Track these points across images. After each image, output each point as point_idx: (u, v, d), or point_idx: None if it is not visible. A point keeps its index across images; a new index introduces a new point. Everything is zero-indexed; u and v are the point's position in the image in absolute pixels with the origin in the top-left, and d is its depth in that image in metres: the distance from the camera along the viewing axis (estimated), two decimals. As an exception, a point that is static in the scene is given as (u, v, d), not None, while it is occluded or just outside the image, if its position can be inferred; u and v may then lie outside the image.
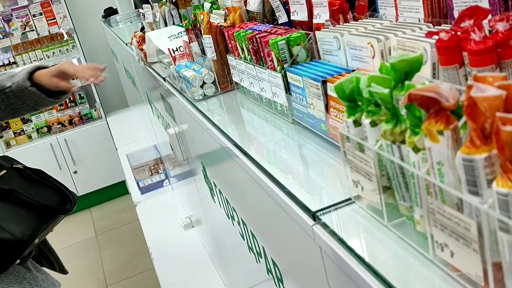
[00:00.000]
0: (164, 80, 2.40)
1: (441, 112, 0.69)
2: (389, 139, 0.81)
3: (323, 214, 0.99)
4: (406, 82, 0.80)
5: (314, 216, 1.00)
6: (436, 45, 0.93)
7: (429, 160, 0.71)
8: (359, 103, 0.91)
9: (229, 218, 1.90)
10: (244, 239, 1.75)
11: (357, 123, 0.91)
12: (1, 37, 5.20)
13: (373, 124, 0.86)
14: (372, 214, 0.95)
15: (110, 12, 5.22)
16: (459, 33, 0.91)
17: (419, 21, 1.21)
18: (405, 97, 0.71)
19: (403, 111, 0.82)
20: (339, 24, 1.44)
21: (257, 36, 1.56)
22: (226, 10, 1.97)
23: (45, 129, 5.53)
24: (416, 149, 0.76)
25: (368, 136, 0.87)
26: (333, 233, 0.94)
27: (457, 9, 1.09)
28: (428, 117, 0.70)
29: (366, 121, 0.86)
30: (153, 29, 2.98)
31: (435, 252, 0.76)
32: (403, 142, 0.80)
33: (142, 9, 3.19)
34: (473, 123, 0.64)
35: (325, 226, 0.97)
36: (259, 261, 1.63)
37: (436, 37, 0.94)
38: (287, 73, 1.40)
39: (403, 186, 0.83)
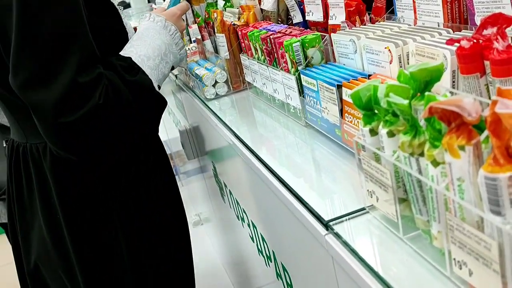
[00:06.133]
0: (176, 78, 2.39)
1: (462, 127, 0.66)
2: (407, 151, 0.78)
3: (336, 223, 0.97)
4: (427, 93, 0.77)
5: (327, 225, 0.97)
6: (457, 53, 0.91)
7: (449, 176, 0.69)
8: (376, 112, 0.88)
9: (238, 220, 1.88)
10: (253, 242, 1.73)
11: (373, 132, 0.88)
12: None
13: (391, 134, 0.83)
14: (387, 225, 0.92)
15: (123, 6, 5.21)
16: (481, 41, 0.88)
17: (438, 25, 1.18)
18: (426, 110, 0.68)
19: (422, 122, 0.79)
20: (355, 26, 1.41)
21: (271, 36, 1.53)
22: (240, 9, 1.94)
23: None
24: (435, 163, 0.73)
25: (385, 146, 0.85)
26: (345, 244, 0.92)
27: (478, 15, 1.06)
28: (449, 131, 0.68)
29: (383, 131, 0.84)
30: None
31: (452, 269, 0.74)
32: (421, 154, 0.78)
33: (155, 3, 3.17)
34: (497, 140, 0.61)
35: (337, 236, 0.94)
36: (269, 265, 1.61)
37: (457, 44, 0.92)
38: (301, 75, 1.38)
39: (420, 200, 0.80)
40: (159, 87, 1.35)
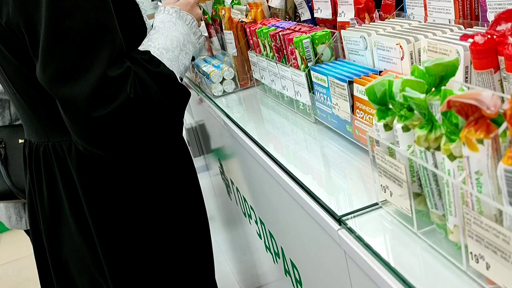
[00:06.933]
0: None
1: (481, 120, 0.67)
2: (423, 146, 0.78)
3: (349, 218, 0.97)
4: (443, 88, 0.78)
5: (339, 220, 0.98)
6: (471, 49, 0.91)
7: (467, 169, 0.69)
8: (390, 107, 0.88)
9: (245, 216, 1.88)
10: (261, 239, 1.73)
11: (387, 127, 0.88)
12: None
13: (406, 129, 0.83)
14: (400, 220, 0.92)
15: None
16: (495, 36, 0.89)
17: (449, 22, 1.18)
18: (444, 103, 0.68)
19: (437, 116, 0.79)
20: (364, 23, 1.42)
21: (280, 33, 1.53)
22: (247, 6, 1.94)
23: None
24: (452, 157, 0.73)
25: (400, 141, 0.85)
26: (359, 238, 0.92)
27: (491, 11, 1.06)
28: (467, 125, 0.68)
29: (398, 125, 0.84)
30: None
31: (469, 263, 0.74)
32: (437, 148, 0.78)
33: (161, 1, 3.17)
34: (517, 133, 0.61)
35: (351, 231, 0.95)
36: (277, 261, 1.61)
37: (471, 40, 0.92)
38: (311, 72, 1.38)
39: (436, 194, 0.80)
40: (181, 79, 1.34)
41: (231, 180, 1.98)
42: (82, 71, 1.10)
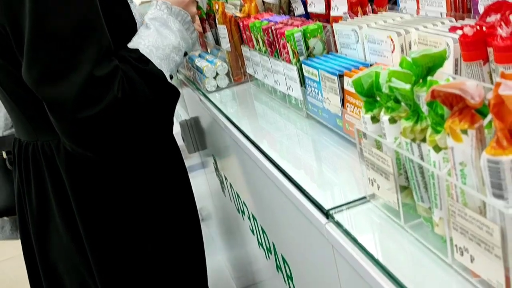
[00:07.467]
0: (177, 70, 2.37)
1: (465, 110, 0.66)
2: (409, 137, 0.77)
3: (337, 212, 0.96)
4: (429, 78, 0.77)
5: (327, 214, 0.97)
6: (460, 40, 0.90)
7: (451, 160, 0.68)
8: (378, 99, 0.87)
9: (239, 213, 1.87)
10: (254, 234, 1.72)
11: (375, 119, 0.87)
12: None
13: (392, 120, 0.82)
14: (388, 214, 0.91)
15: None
16: (484, 28, 0.88)
17: (441, 15, 1.17)
18: (428, 93, 0.67)
19: (424, 108, 0.78)
20: (357, 16, 1.41)
21: (272, 27, 1.52)
22: (241, 1, 1.93)
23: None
24: (437, 148, 0.72)
25: (387, 133, 0.84)
26: (346, 232, 0.91)
27: (482, 4, 1.05)
28: (452, 115, 0.67)
29: (385, 117, 0.83)
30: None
31: (454, 256, 0.73)
32: (423, 140, 0.77)
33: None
34: (500, 122, 0.60)
35: (338, 224, 0.93)
36: (269, 257, 1.60)
37: (460, 31, 0.91)
38: (303, 66, 1.37)
39: (422, 186, 0.79)
40: (171, 77, 1.32)
41: (224, 176, 1.97)
42: (68, 72, 1.07)
